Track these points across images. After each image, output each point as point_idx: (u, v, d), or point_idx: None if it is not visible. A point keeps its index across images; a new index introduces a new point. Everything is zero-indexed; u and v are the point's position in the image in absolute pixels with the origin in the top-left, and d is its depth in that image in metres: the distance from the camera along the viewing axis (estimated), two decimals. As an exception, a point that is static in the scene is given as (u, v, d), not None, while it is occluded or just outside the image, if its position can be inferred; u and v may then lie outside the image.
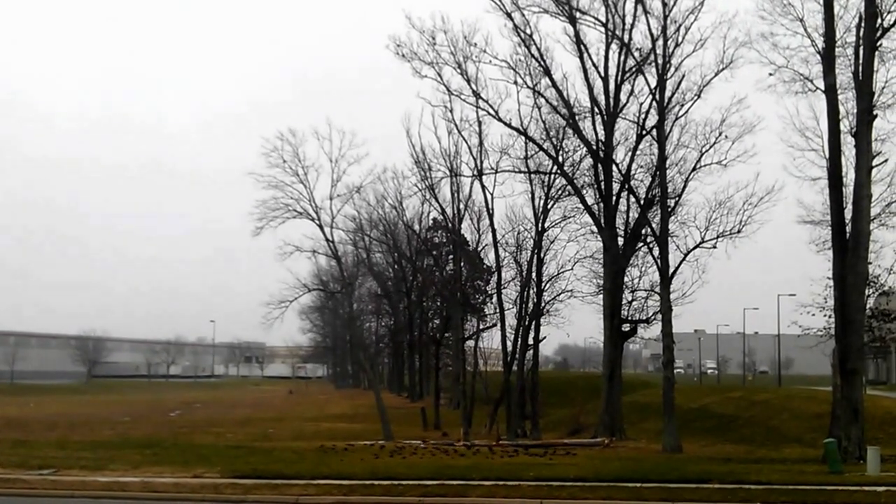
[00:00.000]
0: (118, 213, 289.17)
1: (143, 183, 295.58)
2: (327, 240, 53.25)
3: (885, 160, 32.45)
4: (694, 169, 42.13)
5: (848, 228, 32.29)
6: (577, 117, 45.95)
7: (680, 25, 40.62)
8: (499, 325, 57.54)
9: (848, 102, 32.04)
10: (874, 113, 31.36)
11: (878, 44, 30.89)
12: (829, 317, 38.02)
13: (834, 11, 31.58)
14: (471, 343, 68.54)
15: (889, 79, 31.48)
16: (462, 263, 65.02)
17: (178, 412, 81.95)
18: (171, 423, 66.70)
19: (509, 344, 56.24)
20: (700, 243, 41.84)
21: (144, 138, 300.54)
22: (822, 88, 32.12)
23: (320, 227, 52.39)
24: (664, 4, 40.32)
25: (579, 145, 47.41)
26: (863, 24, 30.98)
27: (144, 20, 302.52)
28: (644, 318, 48.72)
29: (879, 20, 30.66)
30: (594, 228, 48.11)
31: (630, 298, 48.50)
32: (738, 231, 41.08)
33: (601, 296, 48.95)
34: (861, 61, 31.17)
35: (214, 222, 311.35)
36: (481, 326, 67.54)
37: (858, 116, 31.52)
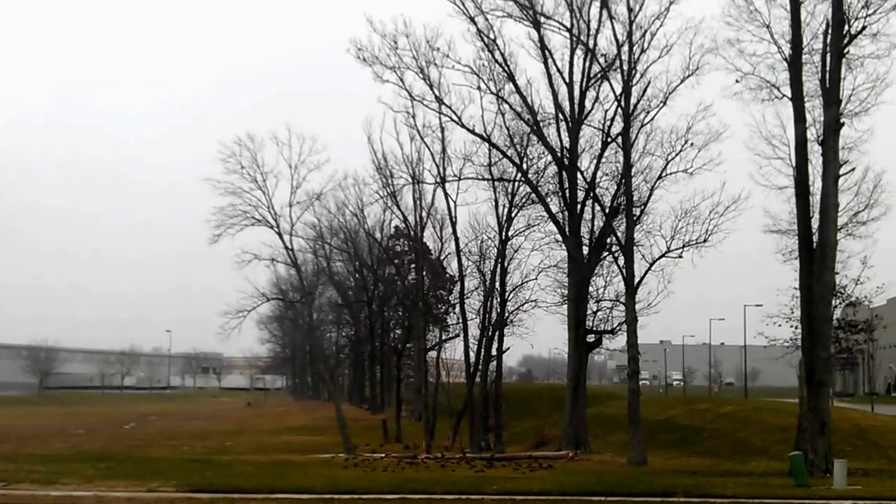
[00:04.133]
0: (71, 218, 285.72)
1: (99, 188, 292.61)
2: (286, 248, 52.39)
3: (853, 169, 32.27)
4: (660, 177, 41.77)
5: (815, 238, 32.01)
6: (541, 124, 45.43)
7: (645, 31, 40.29)
8: (462, 335, 56.87)
9: (815, 110, 31.88)
10: (841, 121, 31.13)
11: (846, 51, 30.67)
12: (796, 328, 37.85)
13: (801, 18, 31.36)
14: (433, 354, 67.77)
15: (856, 86, 31.30)
16: (424, 272, 64.26)
17: (132, 425, 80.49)
18: (126, 435, 65.40)
19: (472, 355, 55.59)
20: (666, 253, 41.45)
21: (101, 141, 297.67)
22: (789, 96, 31.90)
23: (279, 234, 51.56)
24: (629, 10, 39.96)
25: (544, 152, 46.89)
26: (830, 31, 30.80)
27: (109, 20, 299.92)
28: (609, 328, 48.22)
29: (847, 27, 30.45)
30: (559, 237, 47.56)
31: (595, 308, 48.00)
32: (704, 240, 40.77)
33: (566, 306, 48.35)
34: (828, 69, 30.96)
35: (172, 230, 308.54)
36: (444, 337, 66.79)
37: (825, 125, 31.28)
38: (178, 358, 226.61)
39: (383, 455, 42.06)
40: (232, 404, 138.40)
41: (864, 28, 30.44)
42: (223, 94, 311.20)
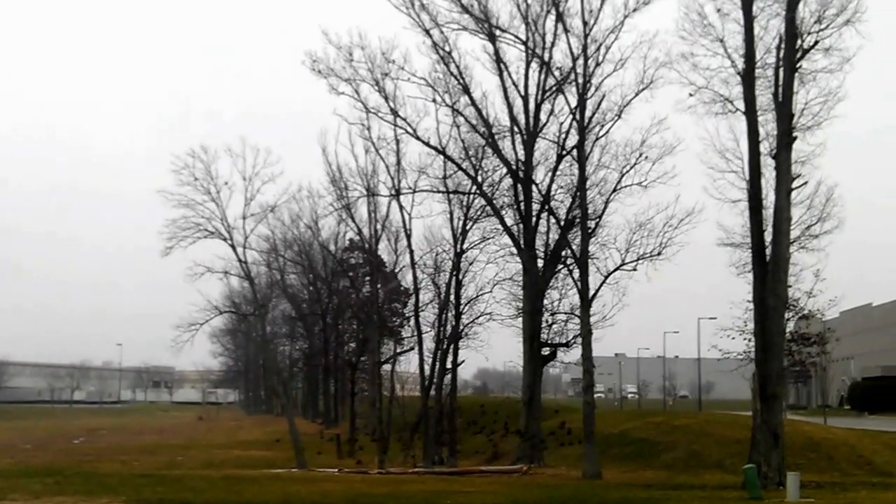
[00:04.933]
0: (19, 230, 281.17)
1: (46, 201, 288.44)
2: (240, 260, 52.01)
3: (805, 182, 32.45)
4: (614, 190, 41.80)
5: (768, 251, 32.10)
6: (496, 136, 45.37)
7: (600, 45, 40.32)
8: (416, 348, 56.60)
9: (768, 124, 31.98)
10: (794, 135, 31.29)
11: (798, 65, 30.86)
12: (750, 341, 37.92)
13: (754, 33, 31.48)
14: (388, 367, 67.40)
15: (809, 100, 31.47)
16: (379, 285, 63.92)
17: (82, 439, 79.24)
18: (75, 450, 64.36)
19: (427, 368, 55.35)
20: (620, 265, 41.47)
21: (53, 156, 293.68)
22: (743, 110, 31.98)
23: (233, 247, 51.15)
24: (585, 24, 39.95)
25: (499, 165, 46.83)
26: (783, 46, 30.95)
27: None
28: (564, 341, 48.17)
29: (799, 42, 30.64)
30: (513, 250, 47.48)
31: (550, 321, 47.91)
32: (659, 253, 40.86)
33: (521, 319, 48.22)
34: (781, 83, 31.10)
35: (124, 241, 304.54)
36: (398, 350, 66.44)
37: (778, 138, 31.42)
38: (129, 372, 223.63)
39: (336, 469, 41.54)
40: (183, 418, 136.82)
41: (816, 43, 30.65)
42: (176, 107, 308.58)
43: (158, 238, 49.32)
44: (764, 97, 31.79)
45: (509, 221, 46.61)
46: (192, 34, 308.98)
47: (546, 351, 48.02)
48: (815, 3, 30.70)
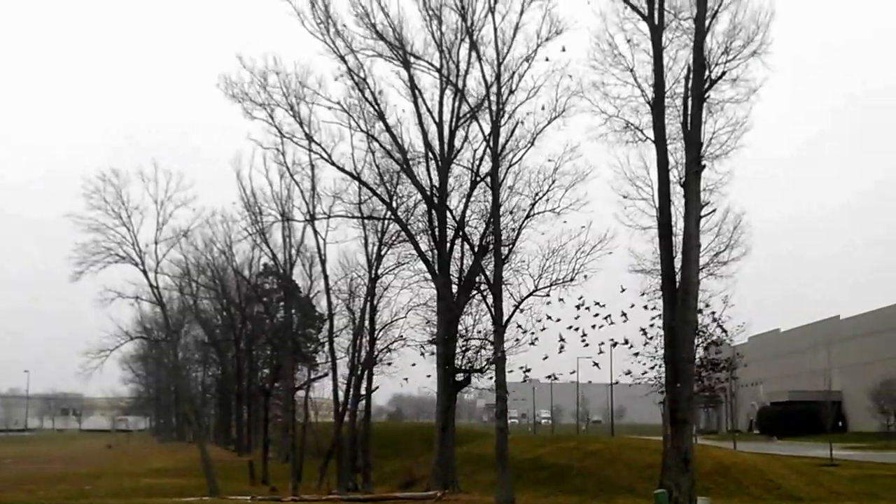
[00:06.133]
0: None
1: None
2: (151, 286, 51.34)
3: (713, 210, 32.91)
4: (528, 216, 41.94)
5: (678, 278, 32.47)
6: (411, 162, 45.29)
7: (514, 73, 40.58)
8: (330, 374, 56.20)
9: (677, 152, 32.34)
10: (702, 163, 31.72)
11: (706, 95, 31.33)
12: (660, 366, 38.23)
13: (663, 63, 31.91)
14: (301, 393, 66.77)
15: (716, 130, 31.95)
16: (293, 311, 63.41)
17: (-15, 469, 76.80)
18: (-23, 481, 62.26)
19: (341, 394, 54.93)
20: (533, 291, 41.58)
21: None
22: (652, 138, 32.35)
23: (144, 272, 50.51)
24: (498, 52, 40.19)
25: (413, 191, 46.78)
26: (691, 76, 31.42)
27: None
28: (478, 367, 47.99)
29: (707, 72, 31.15)
30: (428, 276, 47.35)
31: (464, 347, 47.72)
32: (571, 279, 41.01)
33: (435, 344, 48.06)
34: (689, 112, 31.54)
35: (31, 266, 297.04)
36: (312, 376, 65.96)
37: (687, 167, 31.83)
38: (36, 399, 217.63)
39: (249, 497, 40.86)
40: (92, 446, 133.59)
41: (723, 73, 31.18)
42: (86, 132, 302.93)
43: (68, 263, 48.47)
44: (673, 126, 32.22)
45: (424, 247, 46.51)
46: (109, 57, 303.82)
47: (460, 377, 47.78)
48: (723, 34, 31.28)
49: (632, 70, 32.51)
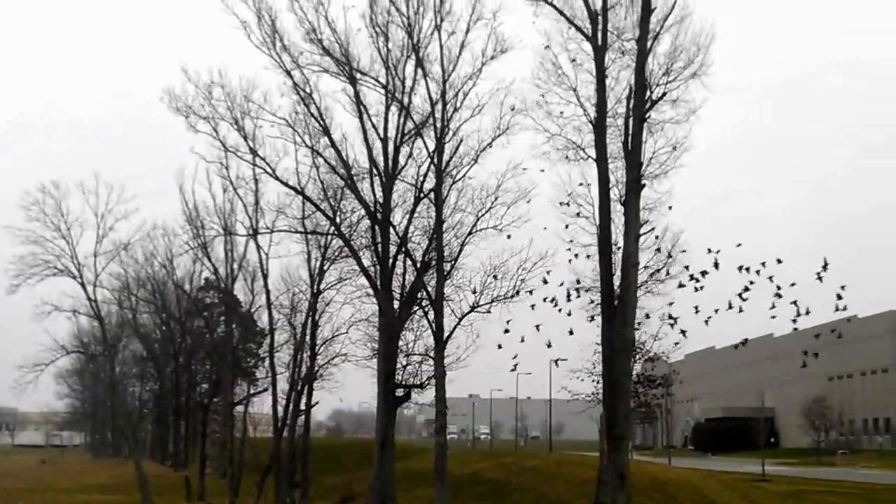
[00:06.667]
0: None
1: None
2: (90, 299, 50.82)
3: (652, 229, 33.39)
4: (470, 233, 42.24)
5: (616, 295, 32.92)
6: (355, 178, 45.25)
7: (459, 91, 40.94)
8: (270, 389, 55.92)
9: (618, 171, 32.83)
10: (642, 182, 32.28)
11: (647, 116, 31.91)
12: (598, 382, 38.66)
13: (606, 83, 32.47)
14: (240, 409, 66.32)
15: (657, 150, 32.51)
16: (234, 325, 63.06)
17: (-87, 485, 74.91)
18: None
19: (280, 409, 54.70)
20: (475, 307, 41.84)
21: None
22: (594, 157, 32.86)
23: (82, 285, 49.98)
24: (443, 69, 40.60)
25: (357, 206, 46.74)
26: (633, 96, 31.99)
27: None
28: (418, 382, 48.15)
29: (648, 93, 31.75)
30: (370, 291, 47.33)
31: (405, 363, 47.83)
32: (513, 296, 41.35)
33: (376, 360, 48.12)
34: (630, 132, 32.11)
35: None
36: (252, 391, 65.53)
37: (627, 185, 32.37)
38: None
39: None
40: (25, 461, 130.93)
41: (664, 94, 31.77)
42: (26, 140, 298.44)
43: (5, 275, 47.94)
44: (614, 145, 32.74)
45: (367, 263, 46.51)
46: (56, 67, 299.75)
47: (400, 392, 47.92)
48: (664, 56, 31.90)
49: (575, 89, 33.03)
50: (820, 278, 31.11)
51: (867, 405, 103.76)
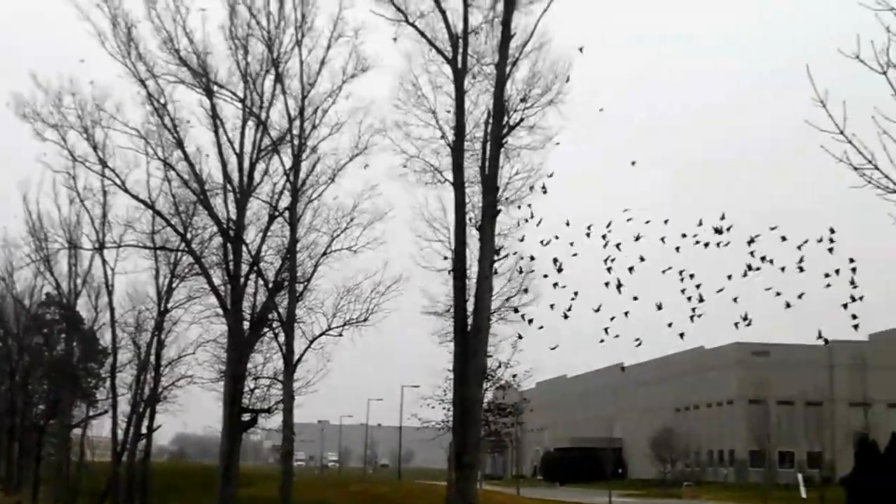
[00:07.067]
0: None
1: None
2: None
3: (507, 255, 33.32)
4: (324, 254, 41.72)
5: (470, 321, 32.62)
6: (208, 193, 43.88)
7: (318, 108, 40.50)
8: (111, 411, 53.83)
9: (475, 196, 32.63)
10: (498, 208, 32.15)
11: (505, 141, 31.84)
12: (448, 410, 38.39)
13: (465, 106, 32.33)
14: (78, 431, 63.63)
15: (513, 175, 32.47)
16: (75, 343, 60.52)
17: None
18: None
19: (121, 432, 52.62)
20: (326, 330, 41.28)
21: None
22: (451, 181, 32.60)
23: None
24: (303, 86, 40.07)
25: (210, 223, 45.31)
26: (491, 121, 31.90)
27: None
28: (266, 407, 46.97)
29: (506, 118, 31.70)
30: (220, 311, 45.90)
31: (253, 386, 46.61)
32: (365, 319, 40.97)
33: (223, 382, 46.67)
34: (488, 157, 31.98)
35: None
36: (91, 413, 62.92)
37: (483, 210, 32.17)
38: None
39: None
40: None
41: (521, 120, 31.78)
42: None
43: None
44: (472, 170, 32.54)
45: (217, 281, 45.10)
46: None
47: (247, 416, 46.60)
48: (523, 82, 31.97)
49: (434, 112, 32.76)
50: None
51: (713, 437, 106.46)
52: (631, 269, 32.20)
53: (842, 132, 11.16)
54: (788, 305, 28.76)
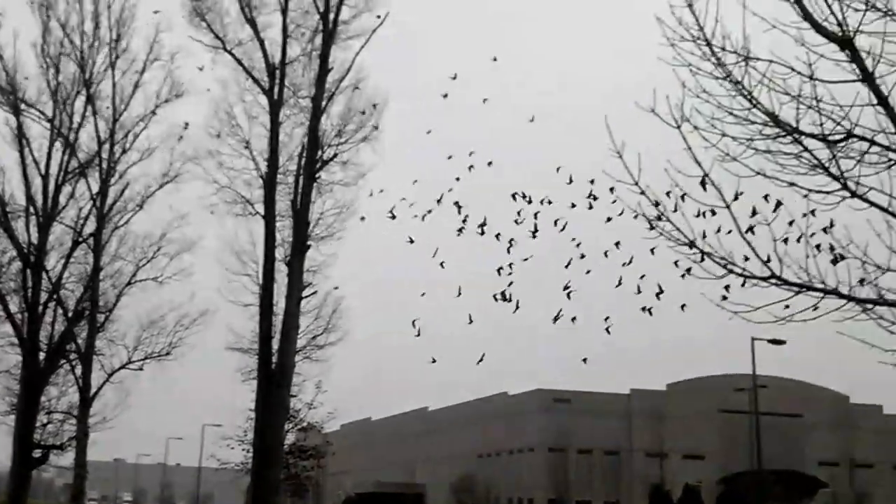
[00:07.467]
0: None
1: None
2: None
3: (315, 292, 32.90)
4: (129, 283, 40.28)
5: (275, 359, 31.79)
6: (10, 215, 41.78)
7: (129, 132, 39.47)
8: None
9: (285, 230, 32.18)
10: (308, 243, 31.65)
11: (317, 176, 31.52)
12: (248, 451, 37.23)
13: (279, 139, 31.91)
14: None
15: (325, 211, 32.22)
16: None
17: None
18: None
19: None
20: (126, 364, 39.74)
21: None
22: (262, 213, 31.96)
23: None
24: (115, 108, 38.95)
25: (9, 246, 43.01)
26: (304, 155, 31.48)
27: None
28: (59, 443, 44.53)
29: (320, 153, 31.40)
30: (15, 340, 43.46)
31: (45, 421, 44.11)
32: (168, 353, 39.60)
33: (13, 416, 44.02)
34: (300, 191, 31.49)
35: None
36: None
37: (293, 245, 31.65)
38: None
39: None
40: None
41: (335, 155, 31.61)
42: None
43: None
44: (283, 203, 32.09)
45: (14, 308, 42.80)
46: None
47: (38, 453, 44.09)
48: (338, 117, 31.82)
49: (248, 142, 32.28)
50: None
51: (514, 485, 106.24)
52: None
53: (636, 183, 11.21)
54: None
